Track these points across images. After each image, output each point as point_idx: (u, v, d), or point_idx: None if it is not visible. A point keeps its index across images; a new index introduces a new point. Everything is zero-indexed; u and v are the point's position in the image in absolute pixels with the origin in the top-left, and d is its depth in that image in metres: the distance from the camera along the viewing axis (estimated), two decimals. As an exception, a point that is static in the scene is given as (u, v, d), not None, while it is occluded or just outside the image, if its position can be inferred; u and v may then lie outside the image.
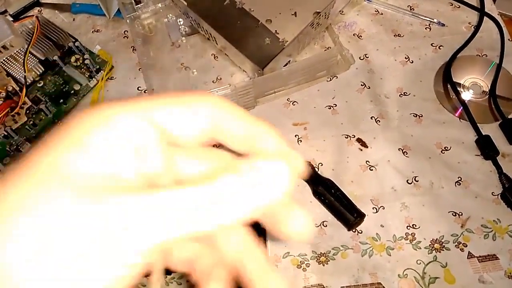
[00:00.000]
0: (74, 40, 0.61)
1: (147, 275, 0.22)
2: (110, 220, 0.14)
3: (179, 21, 0.63)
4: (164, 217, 0.15)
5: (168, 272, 0.46)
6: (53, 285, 0.14)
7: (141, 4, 0.62)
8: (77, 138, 0.16)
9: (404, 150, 0.53)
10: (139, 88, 0.60)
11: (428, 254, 0.48)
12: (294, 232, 0.18)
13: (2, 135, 0.56)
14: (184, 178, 0.19)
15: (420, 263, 0.47)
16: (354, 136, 0.55)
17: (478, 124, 0.53)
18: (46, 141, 0.16)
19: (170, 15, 0.63)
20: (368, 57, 0.60)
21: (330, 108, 0.57)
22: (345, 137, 0.55)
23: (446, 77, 0.57)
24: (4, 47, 0.57)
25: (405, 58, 0.59)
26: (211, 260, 0.20)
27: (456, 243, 0.48)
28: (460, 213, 0.49)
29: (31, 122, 0.57)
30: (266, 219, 0.19)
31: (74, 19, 0.65)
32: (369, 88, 0.57)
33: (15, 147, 0.56)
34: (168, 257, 0.20)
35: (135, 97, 0.18)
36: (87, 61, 0.59)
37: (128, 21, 0.62)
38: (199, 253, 0.20)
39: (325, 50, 0.61)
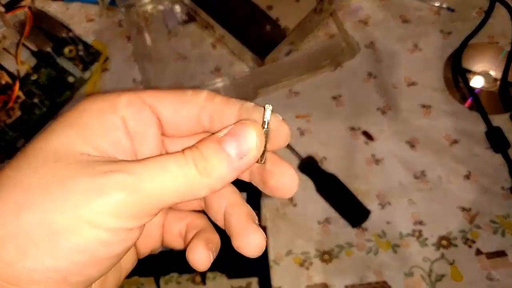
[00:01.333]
0: (67, 31, 0.59)
1: (141, 275, 0.23)
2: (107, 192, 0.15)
3: (176, 8, 0.60)
4: (162, 184, 0.16)
5: (166, 271, 0.45)
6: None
7: (136, -9, 0.59)
8: (78, 121, 0.17)
9: (411, 143, 0.51)
10: (135, 80, 0.58)
11: (435, 251, 0.46)
12: (278, 186, 0.19)
13: (-4, 130, 0.54)
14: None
15: (426, 261, 0.46)
16: (360, 129, 0.53)
17: (488, 115, 0.51)
18: (51, 125, 0.17)
19: (167, 2, 0.61)
20: (374, 45, 0.57)
21: (334, 100, 0.55)
22: (350, 130, 0.53)
23: (455, 66, 0.55)
24: (-5, 39, 0.55)
25: (413, 45, 0.57)
26: (199, 228, 0.22)
27: (464, 240, 0.47)
28: (469, 209, 0.48)
29: (26, 117, 0.55)
30: (255, 178, 0.20)
31: (67, 8, 0.63)
32: (376, 77, 0.55)
33: (10, 142, 0.54)
34: (165, 235, 0.23)
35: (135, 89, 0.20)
36: (81, 52, 0.57)
37: (123, 9, 0.59)
38: (190, 225, 0.22)
39: (329, 38, 0.58)
